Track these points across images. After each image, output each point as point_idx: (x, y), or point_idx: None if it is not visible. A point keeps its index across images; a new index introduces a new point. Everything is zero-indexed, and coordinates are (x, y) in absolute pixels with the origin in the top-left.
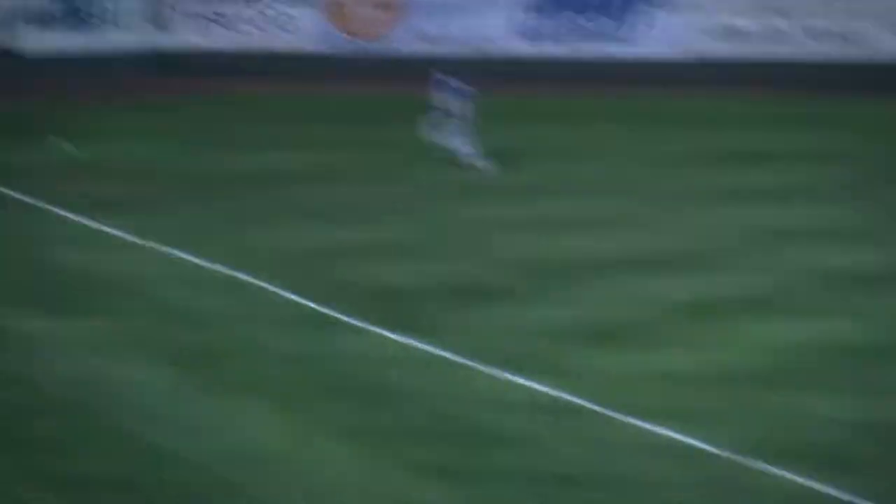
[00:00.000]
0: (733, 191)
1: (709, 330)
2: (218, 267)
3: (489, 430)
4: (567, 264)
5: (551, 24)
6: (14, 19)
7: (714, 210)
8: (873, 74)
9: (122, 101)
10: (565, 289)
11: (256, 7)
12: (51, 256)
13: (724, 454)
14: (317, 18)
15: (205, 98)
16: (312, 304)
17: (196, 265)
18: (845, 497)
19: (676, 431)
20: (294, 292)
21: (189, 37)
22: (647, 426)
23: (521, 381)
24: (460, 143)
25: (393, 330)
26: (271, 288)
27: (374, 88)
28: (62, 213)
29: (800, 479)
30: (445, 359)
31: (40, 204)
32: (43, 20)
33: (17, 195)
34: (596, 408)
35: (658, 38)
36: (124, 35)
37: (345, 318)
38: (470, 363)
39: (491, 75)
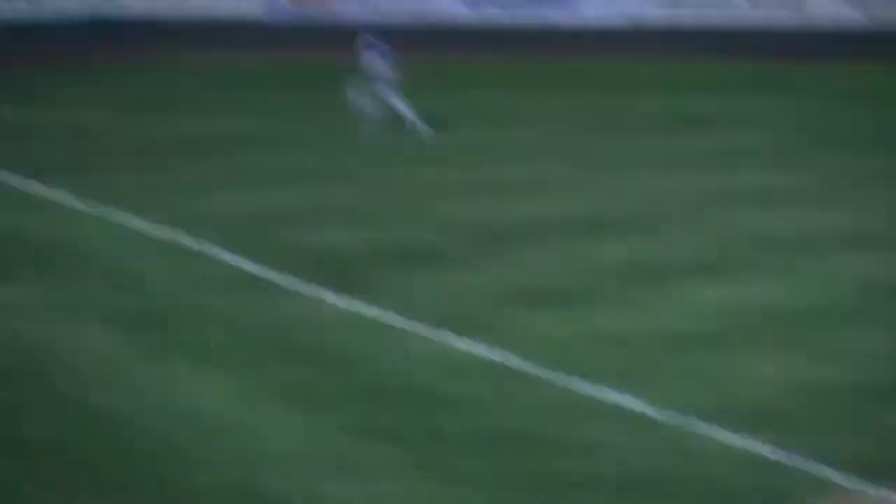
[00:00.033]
0: (675, 156)
1: (650, 293)
2: (159, 231)
3: (431, 393)
4: (508, 228)
5: None
6: None
7: (655, 175)
8: (816, 40)
9: (64, 66)
10: (506, 252)
11: None
12: None
13: (664, 415)
14: None
15: (146, 65)
16: (254, 268)
17: (137, 229)
18: (784, 456)
19: (616, 393)
20: (236, 256)
21: (131, 3)
22: (588, 388)
23: (462, 343)
24: (395, 108)
25: (335, 293)
26: (213, 251)
27: (316, 55)
28: (1, 176)
29: (739, 440)
30: (387, 321)
31: None
32: None
33: None
34: (537, 370)
35: (599, 3)
36: (66, 1)
37: (287, 282)
38: (411, 326)
39: (432, 41)
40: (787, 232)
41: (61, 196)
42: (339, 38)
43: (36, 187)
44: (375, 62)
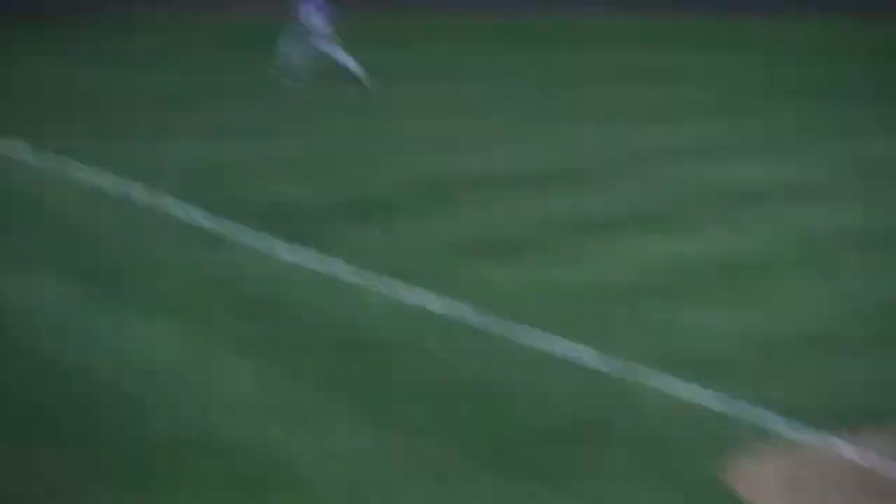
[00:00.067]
0: (623, 109)
1: (598, 245)
2: (113, 184)
3: (383, 344)
4: (458, 181)
5: None
6: None
7: (603, 128)
8: None
9: (18, 20)
10: (456, 205)
11: None
12: None
13: (613, 366)
14: None
15: (101, 19)
16: (207, 220)
17: (90, 182)
18: (730, 405)
19: (566, 344)
20: (188, 208)
21: None
22: (537, 339)
23: (413, 294)
24: (336, 61)
25: (287, 245)
26: (166, 204)
27: (261, 10)
28: None
29: (686, 390)
30: (338, 273)
31: None
32: None
33: None
34: (488, 321)
35: None
36: None
37: (239, 234)
38: (363, 278)
39: None
40: (732, 185)
41: (14, 149)
42: None
43: None
44: (312, 16)
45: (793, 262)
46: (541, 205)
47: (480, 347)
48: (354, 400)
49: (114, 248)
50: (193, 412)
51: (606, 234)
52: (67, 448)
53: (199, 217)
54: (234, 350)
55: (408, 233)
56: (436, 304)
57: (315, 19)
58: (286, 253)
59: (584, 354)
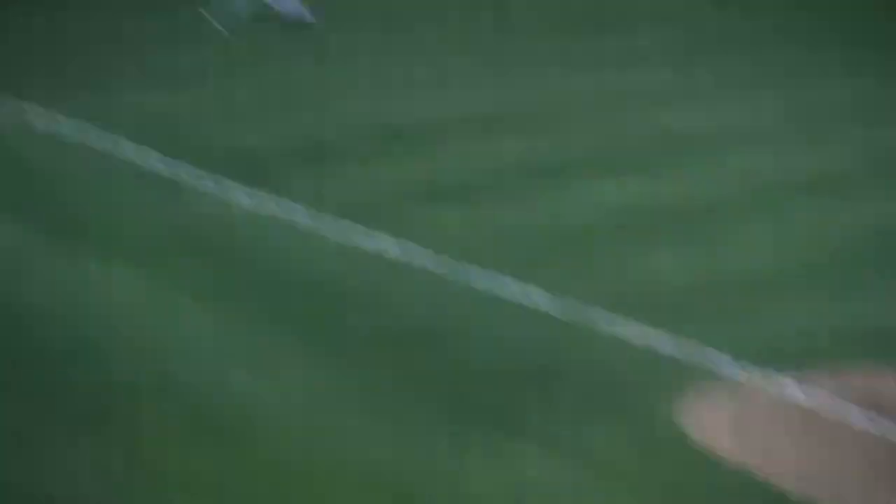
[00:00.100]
0: (575, 55)
1: (549, 189)
2: (70, 129)
3: (337, 287)
4: (411, 124)
5: None
6: None
7: (554, 74)
8: None
9: None
10: (410, 149)
11: None
12: None
13: (563, 308)
14: None
15: None
16: (164, 166)
17: (48, 127)
18: (679, 347)
19: (517, 286)
20: (146, 154)
21: None
22: (489, 282)
23: (367, 238)
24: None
25: (244, 190)
26: (124, 149)
27: None
28: None
29: (635, 331)
30: (294, 217)
31: None
32: None
33: None
34: (440, 264)
35: None
36: None
37: (196, 179)
38: (319, 222)
39: None
40: (682, 130)
41: None
42: None
43: None
44: None
45: (741, 207)
46: (493, 149)
47: (434, 291)
48: (310, 343)
49: (71, 193)
50: (151, 355)
51: (558, 178)
52: (26, 393)
53: (155, 163)
54: (192, 294)
55: (362, 177)
56: (390, 247)
57: None
58: (243, 198)
59: (537, 297)
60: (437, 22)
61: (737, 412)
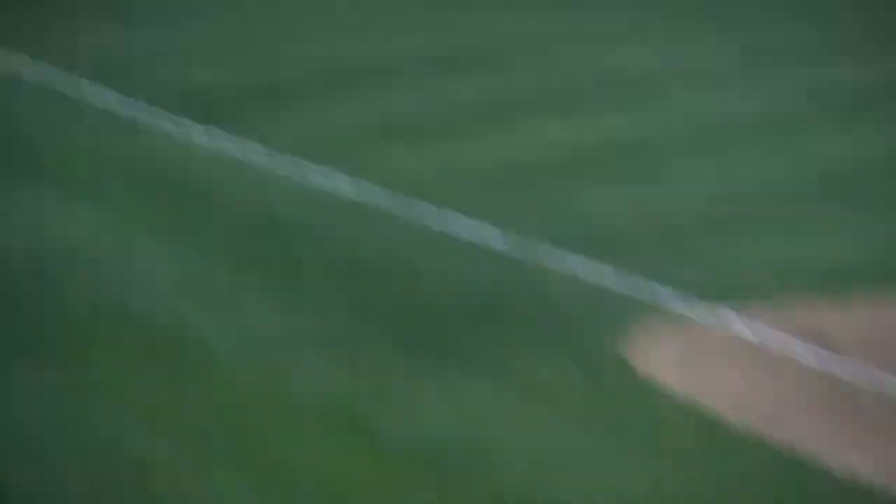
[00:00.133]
0: None
1: (499, 128)
2: (28, 68)
3: (292, 224)
4: (364, 65)
5: None
6: None
7: (505, 15)
8: None
9: None
10: (362, 89)
11: None
12: None
13: (512, 244)
14: None
15: None
16: (122, 105)
17: (6, 67)
18: (626, 282)
19: (468, 223)
20: (104, 92)
21: None
22: (441, 219)
23: (322, 177)
24: None
25: (200, 128)
26: (82, 88)
27: None
28: None
29: (583, 267)
30: (250, 156)
31: None
32: None
33: None
34: (393, 201)
35: None
36: None
37: (154, 118)
38: (274, 160)
39: None
40: (629, 70)
41: None
42: None
43: None
44: None
45: (687, 145)
46: (445, 89)
47: (387, 228)
48: (265, 279)
49: (30, 132)
50: (110, 290)
51: (508, 117)
52: None
53: (113, 101)
54: (150, 230)
55: (316, 116)
56: (344, 185)
57: None
58: (199, 136)
59: (487, 233)
60: None
61: (682, 346)
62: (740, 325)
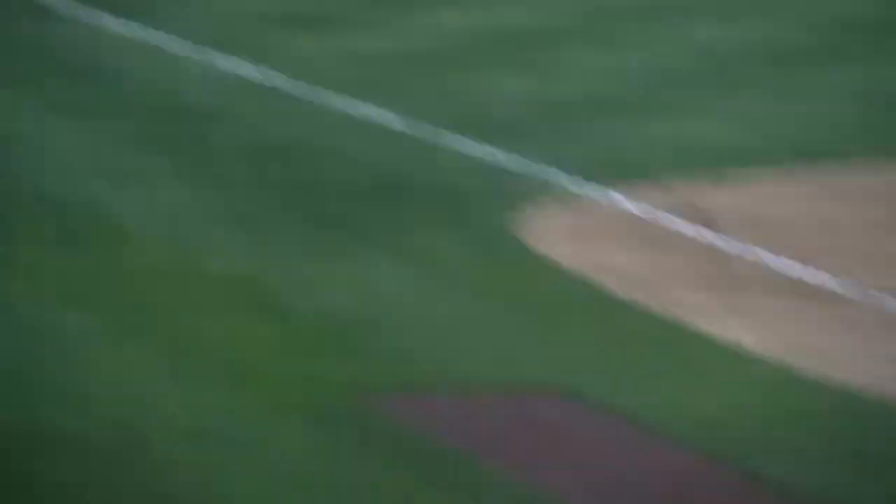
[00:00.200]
0: None
1: (399, 17)
2: None
3: (200, 109)
4: None
5: None
6: None
7: None
8: None
9: None
10: None
11: None
12: None
13: (412, 127)
14: None
15: None
16: None
17: None
18: (522, 164)
19: (369, 108)
20: None
21: None
22: (343, 103)
23: (229, 62)
24: None
25: (111, 16)
26: None
27: None
28: None
29: (480, 149)
30: (160, 42)
31: None
32: None
33: None
34: (297, 86)
35: None
36: None
37: (66, 5)
38: (182, 46)
39: None
40: None
41: None
42: None
43: None
44: None
45: (577, 33)
46: None
47: (291, 111)
48: (175, 160)
49: None
50: (25, 172)
51: (405, 6)
52: None
53: None
54: (64, 114)
55: (223, 4)
56: (249, 71)
57: None
58: (111, 24)
59: (387, 117)
60: None
61: (573, 223)
62: (627, 204)
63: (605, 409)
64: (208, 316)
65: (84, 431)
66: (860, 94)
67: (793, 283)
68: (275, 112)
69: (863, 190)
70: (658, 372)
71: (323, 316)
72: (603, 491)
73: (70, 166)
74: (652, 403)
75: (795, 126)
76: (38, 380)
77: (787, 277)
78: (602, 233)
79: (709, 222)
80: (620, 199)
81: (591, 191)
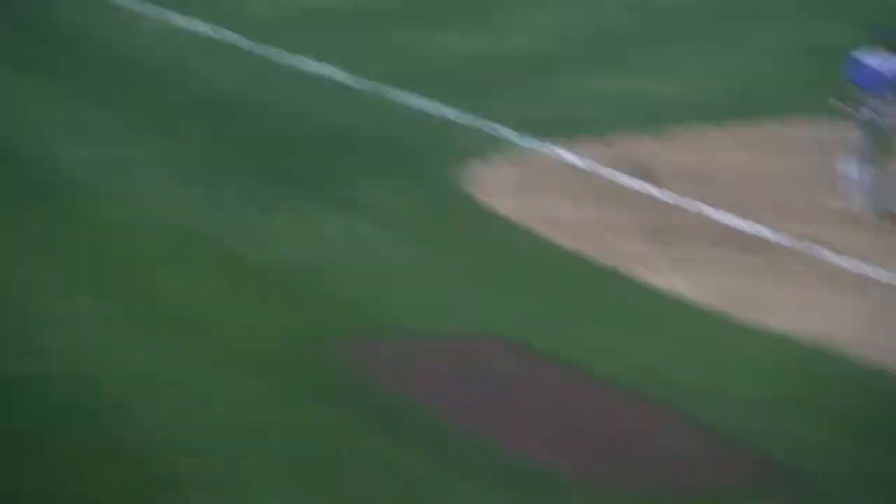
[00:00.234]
0: None
1: None
2: None
3: (155, 65)
4: None
5: None
6: None
7: None
8: None
9: None
10: None
11: None
12: None
13: (359, 83)
14: None
15: None
16: None
17: None
18: (467, 117)
19: (317, 64)
20: None
21: None
22: (292, 60)
23: (182, 20)
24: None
25: None
26: None
27: None
28: None
29: (426, 104)
30: (114, 2)
31: None
32: None
33: None
34: (249, 44)
35: None
36: None
37: None
38: (137, 3)
39: None
40: None
41: None
42: None
43: None
44: None
45: None
46: None
47: (244, 68)
48: (130, 115)
49: None
50: None
51: None
52: None
53: None
54: (18, 70)
55: None
56: (203, 28)
57: None
58: None
59: (336, 73)
60: None
61: (518, 176)
62: (572, 158)
63: (548, 356)
64: (162, 267)
65: (41, 378)
66: (797, 50)
67: (731, 235)
68: (228, 69)
69: (798, 144)
70: (600, 321)
71: (275, 267)
72: (546, 435)
73: (26, 122)
74: (594, 351)
75: (735, 82)
76: None
77: (726, 229)
78: (546, 186)
79: (650, 176)
80: (564, 154)
81: (535, 145)
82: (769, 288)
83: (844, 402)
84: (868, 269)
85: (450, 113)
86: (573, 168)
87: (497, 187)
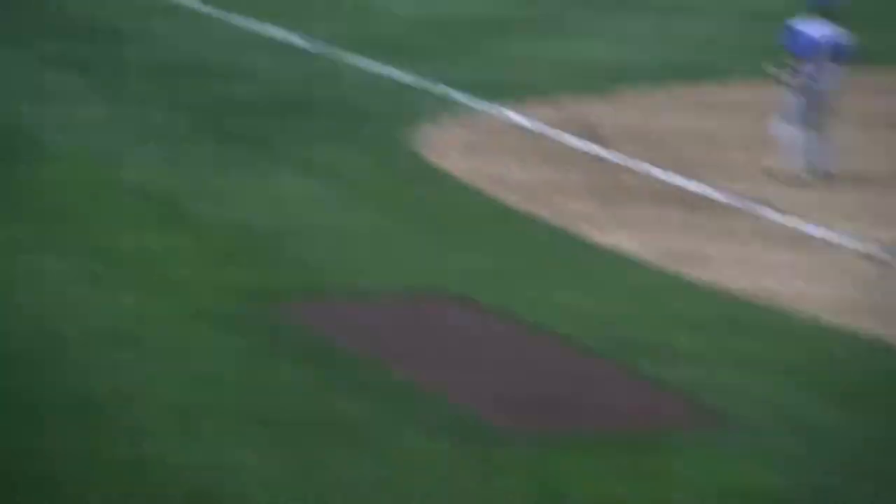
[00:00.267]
0: None
1: None
2: None
3: (115, 29)
4: None
5: None
6: None
7: None
8: None
9: None
10: None
11: None
12: None
13: (314, 46)
14: None
15: None
16: None
17: None
18: (418, 81)
19: (273, 28)
20: None
21: None
22: (249, 24)
23: None
24: None
25: None
26: None
27: None
28: None
29: (379, 67)
30: None
31: None
32: None
33: None
34: (206, 7)
35: None
36: None
37: None
38: None
39: None
40: None
41: None
42: None
43: None
44: None
45: None
46: None
47: (202, 31)
48: (91, 78)
49: None
50: None
51: None
52: None
53: None
54: None
55: None
56: None
57: None
58: None
59: (291, 37)
60: None
61: (468, 138)
62: (520, 119)
63: (496, 312)
64: (123, 226)
65: (5, 334)
66: (741, 16)
67: (676, 194)
68: (186, 32)
69: (739, 106)
70: (548, 278)
71: (232, 227)
72: (498, 389)
73: None
74: (541, 307)
75: (679, 45)
76: None
77: (672, 188)
78: (496, 147)
79: (597, 136)
80: (514, 116)
81: (484, 107)
82: (713, 245)
83: (784, 357)
84: (807, 227)
85: (401, 76)
86: (522, 129)
87: (448, 149)
